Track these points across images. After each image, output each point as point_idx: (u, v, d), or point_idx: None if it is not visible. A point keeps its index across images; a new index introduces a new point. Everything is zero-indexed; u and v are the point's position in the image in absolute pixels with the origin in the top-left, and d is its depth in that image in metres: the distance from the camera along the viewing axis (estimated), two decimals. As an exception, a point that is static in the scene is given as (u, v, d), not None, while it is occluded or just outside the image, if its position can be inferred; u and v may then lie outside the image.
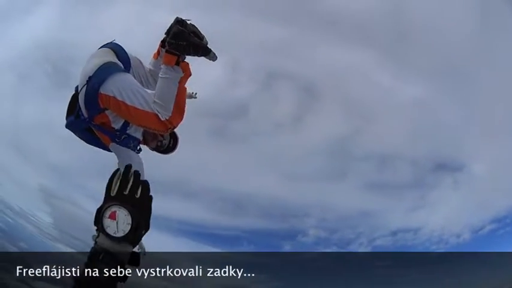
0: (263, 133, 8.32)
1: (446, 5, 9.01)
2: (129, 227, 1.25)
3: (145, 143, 2.91)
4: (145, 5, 8.68)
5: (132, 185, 1.28)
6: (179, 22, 2.41)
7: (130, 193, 1.27)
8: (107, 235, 1.27)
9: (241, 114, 8.45)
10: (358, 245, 8.49)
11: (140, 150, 2.78)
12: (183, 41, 2.33)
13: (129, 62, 2.66)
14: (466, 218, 9.30)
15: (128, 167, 1.32)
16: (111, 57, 2.55)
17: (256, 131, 8.36)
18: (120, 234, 1.26)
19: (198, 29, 2.44)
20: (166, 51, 2.41)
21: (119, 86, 2.40)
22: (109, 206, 1.27)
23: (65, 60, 9.46)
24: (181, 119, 2.61)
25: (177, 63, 2.42)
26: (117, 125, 2.59)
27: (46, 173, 9.78)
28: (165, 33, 2.53)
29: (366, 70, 8.68)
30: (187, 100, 3.45)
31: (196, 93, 3.48)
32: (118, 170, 1.31)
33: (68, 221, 9.78)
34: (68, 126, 2.68)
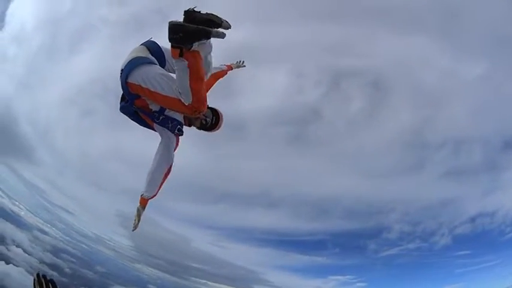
0: (338, 134, 8.34)
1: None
2: None
3: (190, 124, 3.20)
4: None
5: (45, 284, 2.37)
6: (186, 13, 2.48)
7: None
8: None
9: (314, 118, 8.51)
10: (440, 235, 8.38)
11: (181, 132, 3.05)
12: (179, 33, 2.45)
13: (164, 56, 2.96)
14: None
15: (38, 275, 2.33)
16: (144, 53, 2.89)
17: (331, 132, 8.38)
18: None
19: (215, 14, 2.48)
20: (171, 47, 2.56)
21: (143, 76, 2.78)
22: None
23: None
24: (204, 105, 2.85)
25: (181, 55, 2.57)
26: (155, 107, 2.94)
27: (121, 199, 10.22)
28: None
29: (426, 55, 8.52)
30: (239, 70, 3.63)
31: (243, 62, 3.70)
32: (34, 280, 2.35)
33: (147, 242, 10.12)
34: (120, 109, 3.09)
